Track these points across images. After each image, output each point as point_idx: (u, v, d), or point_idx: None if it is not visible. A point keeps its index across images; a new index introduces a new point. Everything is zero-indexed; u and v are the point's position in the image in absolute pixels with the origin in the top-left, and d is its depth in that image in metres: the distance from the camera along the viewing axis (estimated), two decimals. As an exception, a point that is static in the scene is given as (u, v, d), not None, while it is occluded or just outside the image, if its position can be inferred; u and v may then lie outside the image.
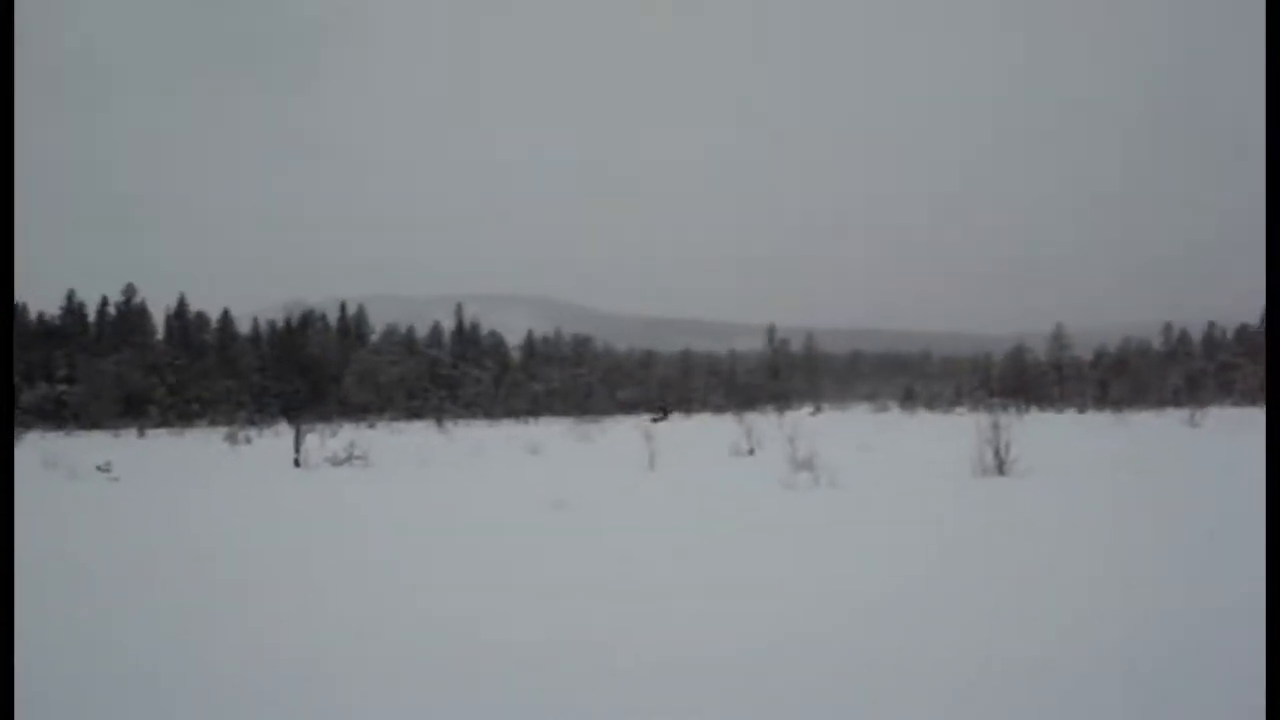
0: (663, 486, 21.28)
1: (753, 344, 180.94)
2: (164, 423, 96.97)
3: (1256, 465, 22.62)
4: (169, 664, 7.18)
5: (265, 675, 6.86)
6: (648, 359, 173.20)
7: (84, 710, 6.27)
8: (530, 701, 6.18)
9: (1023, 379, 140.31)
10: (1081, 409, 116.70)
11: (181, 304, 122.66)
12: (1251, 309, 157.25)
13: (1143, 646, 7.09)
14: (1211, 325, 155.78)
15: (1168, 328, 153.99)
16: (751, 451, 32.55)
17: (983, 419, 25.40)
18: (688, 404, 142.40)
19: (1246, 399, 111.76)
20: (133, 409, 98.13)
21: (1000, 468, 21.99)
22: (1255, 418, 57.57)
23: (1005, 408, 65.92)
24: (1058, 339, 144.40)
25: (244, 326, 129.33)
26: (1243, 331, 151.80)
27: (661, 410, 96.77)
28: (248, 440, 55.27)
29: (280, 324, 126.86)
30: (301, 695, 6.42)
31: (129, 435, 76.90)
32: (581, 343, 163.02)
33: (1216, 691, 6.09)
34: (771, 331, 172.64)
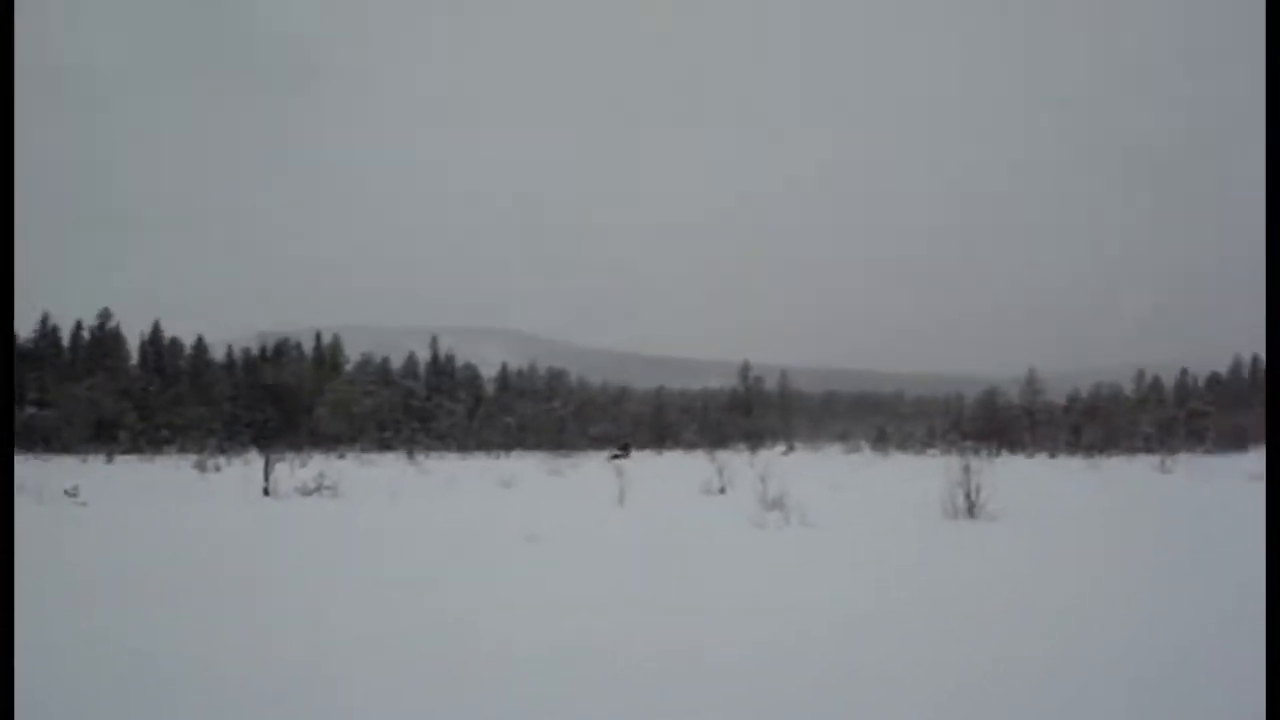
0: (632, 522, 21.20)
1: (726, 381, 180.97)
2: (134, 449, 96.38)
3: (1226, 511, 22.79)
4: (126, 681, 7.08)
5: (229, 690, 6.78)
6: (621, 395, 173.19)
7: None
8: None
9: (995, 422, 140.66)
10: (1053, 453, 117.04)
11: (156, 330, 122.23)
12: (1222, 358, 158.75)
13: (1113, 683, 7.07)
14: (1184, 372, 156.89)
15: (1140, 374, 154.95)
16: (723, 490, 32.49)
17: (954, 461, 25.40)
18: (660, 441, 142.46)
19: (1218, 447, 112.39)
20: (103, 434, 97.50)
21: (970, 510, 21.97)
22: (1225, 465, 57.95)
23: (977, 450, 65.90)
24: (1030, 383, 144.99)
25: (218, 353, 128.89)
26: (1214, 380, 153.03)
27: (623, 447, 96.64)
28: (217, 468, 54.95)
29: (255, 352, 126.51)
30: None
31: (97, 460, 76.32)
32: (556, 376, 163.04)
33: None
34: (745, 369, 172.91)
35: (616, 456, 76.71)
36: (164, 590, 11.83)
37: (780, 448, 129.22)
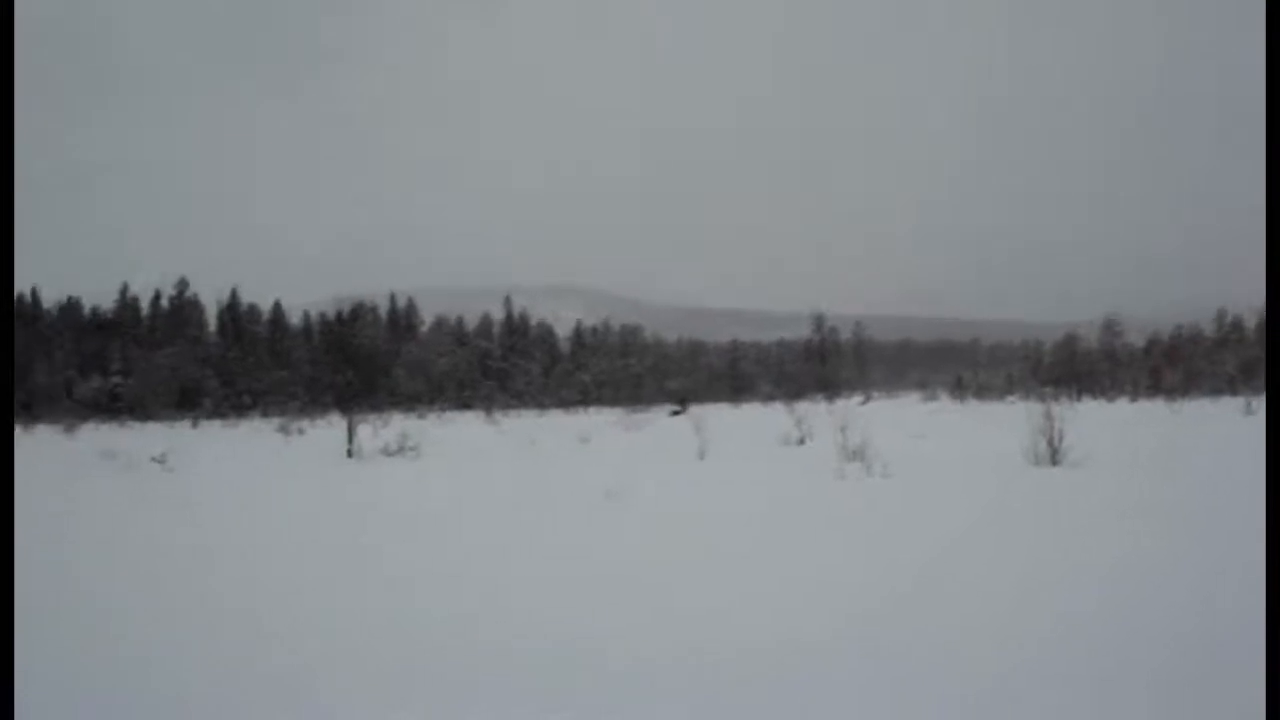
0: (714, 476, 21.24)
1: (800, 332, 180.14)
2: (217, 414, 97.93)
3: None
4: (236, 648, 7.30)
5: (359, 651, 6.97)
6: (696, 349, 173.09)
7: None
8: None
9: (1073, 367, 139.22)
10: (1134, 397, 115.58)
11: (233, 297, 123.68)
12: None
13: (1203, 623, 7.07)
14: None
15: (1221, 314, 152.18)
16: (802, 441, 32.46)
17: (1034, 408, 25.19)
18: (736, 394, 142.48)
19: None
20: (186, 401, 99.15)
21: (1053, 458, 21.84)
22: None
23: (1056, 396, 65.25)
24: (1109, 326, 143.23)
25: (295, 319, 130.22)
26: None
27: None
28: (300, 431, 55.59)
29: (331, 316, 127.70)
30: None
31: (183, 427, 77.61)
32: (630, 333, 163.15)
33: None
34: (819, 319, 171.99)
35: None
36: (264, 556, 12.08)
37: (857, 398, 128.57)
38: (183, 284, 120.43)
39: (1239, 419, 45.55)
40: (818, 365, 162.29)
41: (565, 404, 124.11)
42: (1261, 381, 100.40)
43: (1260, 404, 57.91)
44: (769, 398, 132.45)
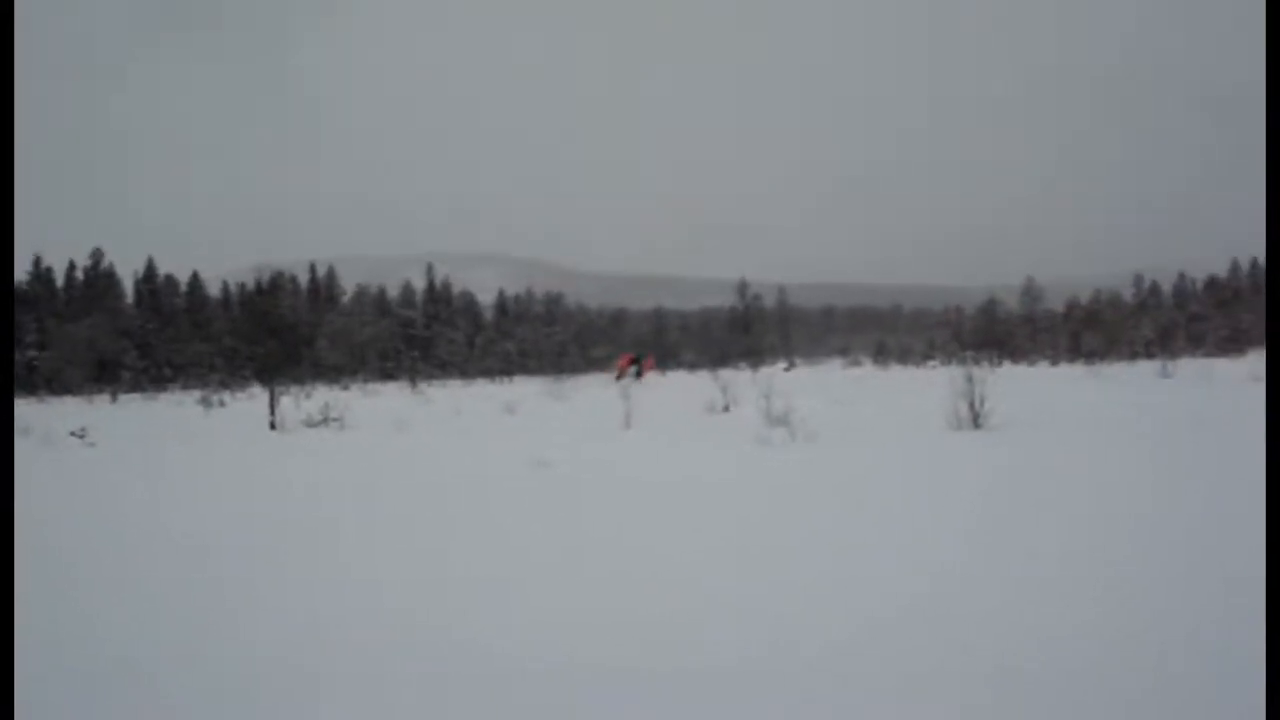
0: (639, 445, 21.21)
1: (724, 299, 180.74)
2: (136, 387, 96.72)
3: (1228, 414, 22.81)
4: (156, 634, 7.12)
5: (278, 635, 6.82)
6: (620, 316, 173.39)
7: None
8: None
9: (994, 332, 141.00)
10: (1054, 361, 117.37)
11: (150, 268, 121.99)
12: (1220, 260, 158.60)
13: (1108, 568, 7.11)
14: (1181, 276, 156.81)
15: (1138, 279, 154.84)
16: (726, 408, 32.52)
17: (956, 372, 25.39)
18: (661, 361, 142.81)
19: (1218, 350, 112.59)
20: (105, 374, 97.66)
21: (975, 421, 22.01)
22: (1225, 369, 58.01)
23: (977, 360, 65.98)
24: (1029, 291, 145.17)
25: (214, 289, 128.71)
26: (1212, 283, 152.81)
27: (630, 365, 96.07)
28: (222, 403, 54.97)
29: (250, 286, 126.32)
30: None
31: (102, 401, 76.40)
32: (553, 301, 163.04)
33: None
34: (743, 286, 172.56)
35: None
36: (187, 530, 11.85)
37: (781, 364, 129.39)
38: (97, 254, 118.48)
39: (1156, 381, 46.48)
40: (741, 332, 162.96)
41: (490, 373, 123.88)
42: (1177, 345, 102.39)
43: (1175, 367, 59.16)
44: (693, 365, 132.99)
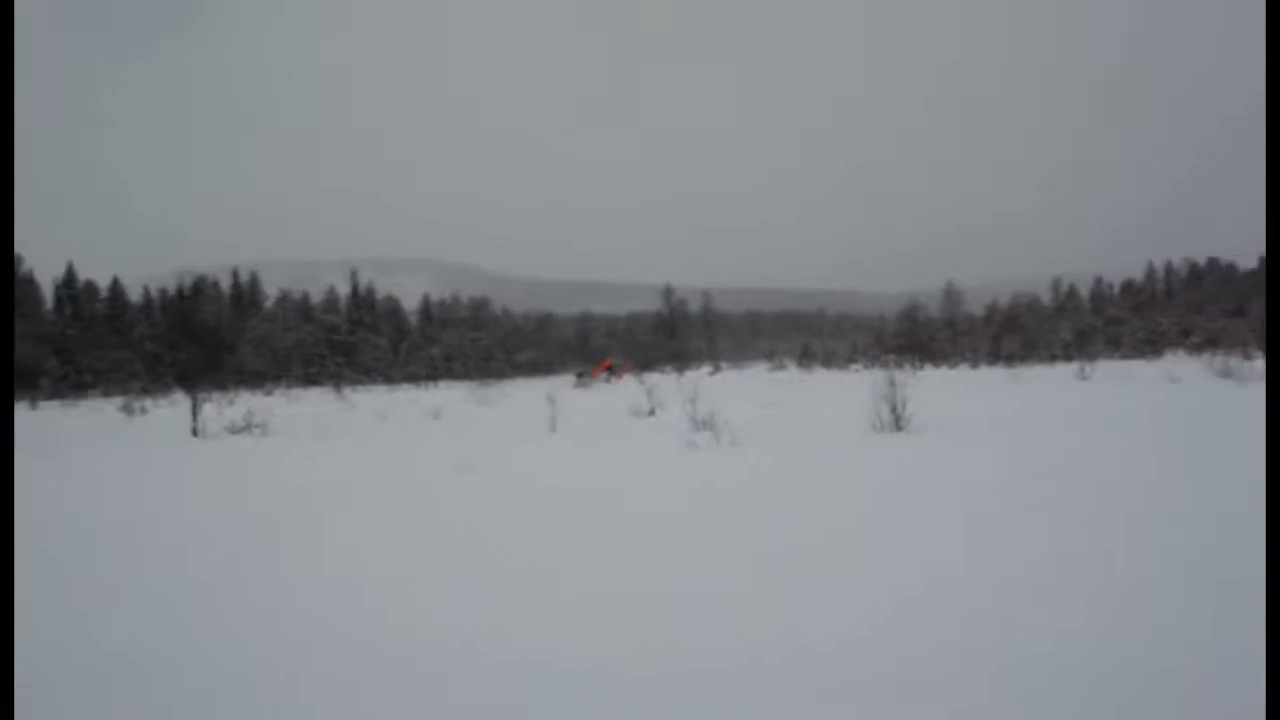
0: (564, 449, 21.28)
1: (650, 304, 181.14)
2: (56, 394, 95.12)
3: (1145, 414, 23.32)
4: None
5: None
6: (546, 321, 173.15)
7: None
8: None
9: (917, 335, 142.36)
10: (975, 364, 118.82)
11: (70, 273, 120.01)
12: (1135, 264, 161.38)
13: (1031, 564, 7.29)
14: (1099, 281, 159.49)
15: (1056, 283, 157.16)
16: (652, 412, 32.64)
17: (879, 376, 25.67)
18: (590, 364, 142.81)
19: (1134, 352, 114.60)
20: (23, 381, 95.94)
21: (897, 424, 22.27)
22: (1143, 370, 59.15)
23: (900, 364, 66.68)
24: (949, 295, 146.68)
25: (135, 295, 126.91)
26: (1129, 286, 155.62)
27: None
28: (143, 410, 54.39)
29: (172, 291, 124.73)
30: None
31: (20, 408, 75.09)
32: (479, 305, 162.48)
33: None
34: (668, 291, 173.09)
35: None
36: (108, 537, 11.77)
37: (707, 368, 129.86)
38: (16, 259, 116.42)
39: (1073, 383, 47.35)
40: (667, 336, 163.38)
41: (414, 379, 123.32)
42: (1095, 348, 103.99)
43: (1093, 370, 60.27)
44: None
